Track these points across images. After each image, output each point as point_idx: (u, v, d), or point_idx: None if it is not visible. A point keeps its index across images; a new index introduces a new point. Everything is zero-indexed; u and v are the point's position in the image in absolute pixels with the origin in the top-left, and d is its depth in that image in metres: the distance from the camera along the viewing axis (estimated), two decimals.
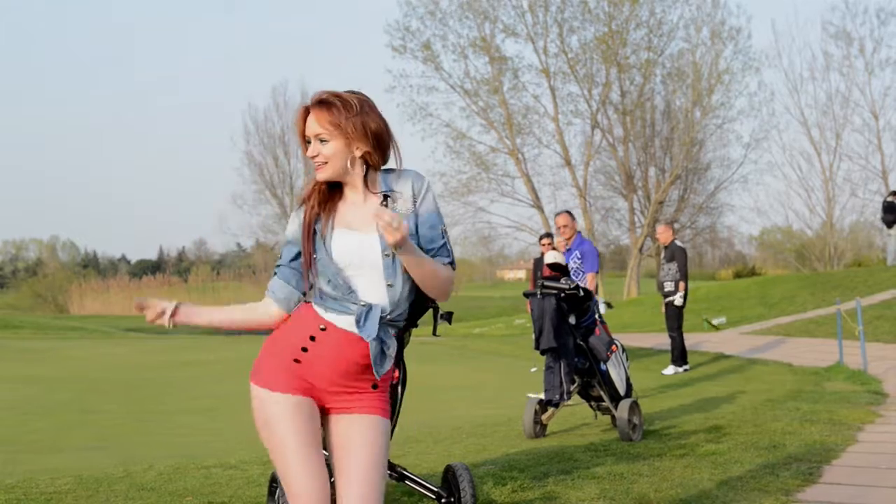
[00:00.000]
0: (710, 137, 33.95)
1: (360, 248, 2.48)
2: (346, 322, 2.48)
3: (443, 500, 3.93)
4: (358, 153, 2.49)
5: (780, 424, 6.42)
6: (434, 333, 4.61)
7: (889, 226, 19.52)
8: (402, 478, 4.05)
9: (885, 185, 31.50)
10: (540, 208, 32.22)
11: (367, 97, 2.53)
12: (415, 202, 2.52)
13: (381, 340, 2.48)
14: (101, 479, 4.91)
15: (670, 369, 11.50)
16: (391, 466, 4.05)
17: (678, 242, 11.71)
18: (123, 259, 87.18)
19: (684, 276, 11.44)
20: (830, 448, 5.60)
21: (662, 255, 11.96)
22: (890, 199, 19.57)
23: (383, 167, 2.56)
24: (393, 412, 4.10)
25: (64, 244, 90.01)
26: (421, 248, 2.50)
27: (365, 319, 2.46)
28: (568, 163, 32.19)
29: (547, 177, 35.89)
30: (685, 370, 11.53)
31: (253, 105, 77.57)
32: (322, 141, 2.47)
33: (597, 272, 8.62)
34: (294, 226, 2.59)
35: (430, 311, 4.22)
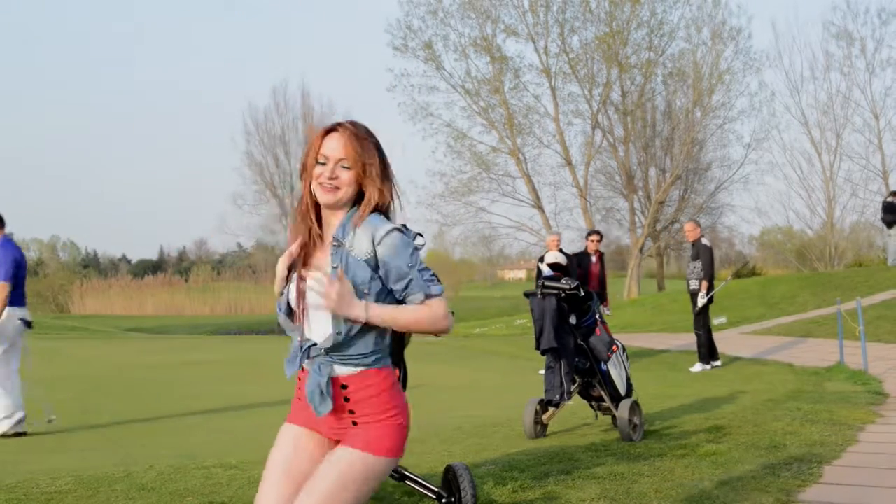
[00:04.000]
0: (710, 137, 33.95)
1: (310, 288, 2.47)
2: (307, 364, 2.53)
3: (443, 501, 3.93)
4: (374, 193, 2.46)
5: (780, 424, 6.42)
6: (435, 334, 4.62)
7: (889, 226, 19.49)
8: (402, 478, 4.05)
9: (885, 186, 31.46)
10: (541, 208, 32.20)
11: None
12: (373, 245, 2.42)
13: (317, 380, 2.45)
14: (102, 479, 4.91)
15: (697, 367, 11.55)
16: None
17: (704, 241, 11.72)
18: (124, 259, 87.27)
19: (708, 275, 11.47)
20: (831, 448, 5.60)
21: (690, 253, 12.01)
22: (890, 199, 19.54)
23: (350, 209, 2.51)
24: None
25: (65, 244, 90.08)
26: (392, 291, 2.46)
27: (298, 358, 2.50)
28: (568, 163, 32.16)
29: (547, 177, 35.77)
30: (713, 367, 11.57)
31: (253, 105, 77.62)
32: (343, 167, 2.45)
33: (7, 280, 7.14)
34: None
35: None
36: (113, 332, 23.88)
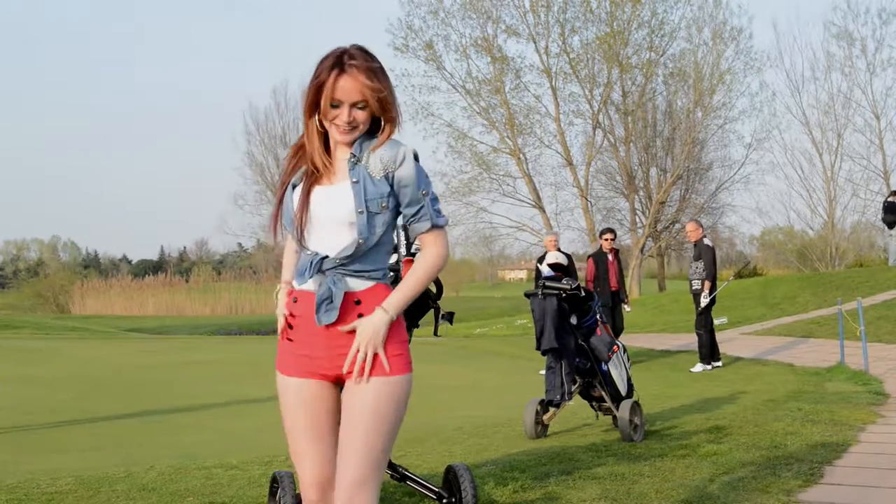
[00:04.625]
0: (711, 137, 33.93)
1: (327, 201, 2.46)
2: (309, 285, 2.48)
3: (444, 501, 3.93)
4: (386, 121, 2.45)
5: (781, 425, 6.41)
6: (435, 334, 4.61)
7: (890, 226, 19.43)
8: (403, 478, 4.04)
9: (886, 186, 31.44)
10: (541, 208, 32.18)
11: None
12: (395, 164, 2.44)
13: (330, 289, 2.43)
14: (102, 480, 4.91)
15: (698, 367, 11.56)
16: (392, 467, 4.04)
17: (706, 241, 11.73)
18: (125, 259, 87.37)
19: (710, 275, 11.50)
20: (832, 448, 5.60)
21: (692, 253, 12.04)
22: (891, 199, 19.50)
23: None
24: None
25: (65, 244, 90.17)
26: (401, 213, 2.50)
27: (309, 271, 2.46)
28: (569, 163, 32.14)
29: (548, 177, 35.80)
30: (714, 367, 11.59)
31: (254, 105, 77.85)
32: (360, 108, 2.42)
33: None
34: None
35: (432, 311, 4.22)
36: (113, 332, 23.88)
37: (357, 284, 2.46)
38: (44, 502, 4.40)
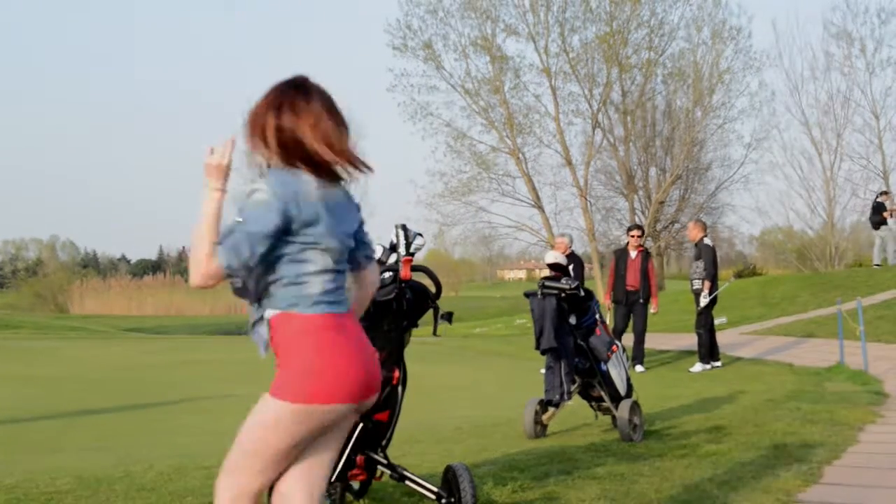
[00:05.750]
0: (710, 137, 33.89)
1: None
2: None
3: (443, 501, 3.92)
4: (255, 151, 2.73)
5: (780, 425, 6.41)
6: (434, 333, 4.60)
7: (876, 226, 19.48)
8: (402, 478, 4.04)
9: (885, 186, 31.45)
10: (541, 208, 32.17)
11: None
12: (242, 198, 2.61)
13: (254, 323, 2.66)
14: (102, 479, 4.90)
15: (698, 366, 11.56)
16: (391, 466, 4.03)
17: (707, 241, 11.71)
18: (123, 259, 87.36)
19: (710, 275, 11.48)
20: (831, 448, 5.60)
21: (692, 252, 12.02)
22: (879, 199, 19.56)
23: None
24: (392, 413, 4.08)
25: (64, 244, 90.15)
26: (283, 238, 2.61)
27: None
28: (569, 162, 32.12)
29: (548, 176, 35.67)
30: (713, 367, 11.58)
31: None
32: None
33: None
34: None
35: (431, 311, 4.22)
36: (112, 332, 23.88)
37: (270, 312, 2.63)
38: (43, 502, 4.39)
